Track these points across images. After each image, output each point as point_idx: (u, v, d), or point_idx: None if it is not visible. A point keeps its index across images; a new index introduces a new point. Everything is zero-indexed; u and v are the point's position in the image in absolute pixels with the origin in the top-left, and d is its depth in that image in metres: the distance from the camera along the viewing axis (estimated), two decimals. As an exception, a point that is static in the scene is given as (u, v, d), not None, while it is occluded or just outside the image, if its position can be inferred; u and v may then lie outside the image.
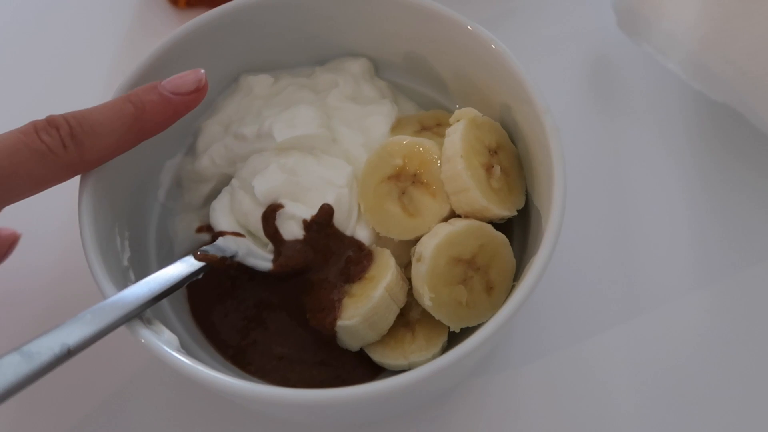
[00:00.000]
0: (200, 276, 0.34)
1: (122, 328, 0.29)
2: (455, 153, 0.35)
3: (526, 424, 0.38)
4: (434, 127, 0.40)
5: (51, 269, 0.43)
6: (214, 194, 0.40)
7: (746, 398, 0.38)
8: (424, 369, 0.29)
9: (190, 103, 0.33)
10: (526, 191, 0.38)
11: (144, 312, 0.31)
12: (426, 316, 0.36)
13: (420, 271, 0.34)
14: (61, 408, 0.38)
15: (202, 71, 0.34)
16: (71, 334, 0.26)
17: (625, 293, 0.41)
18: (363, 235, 0.38)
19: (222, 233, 0.37)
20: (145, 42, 0.47)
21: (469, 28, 0.36)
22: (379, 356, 0.36)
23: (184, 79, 0.33)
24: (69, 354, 0.26)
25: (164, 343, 0.29)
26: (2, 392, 0.24)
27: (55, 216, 0.42)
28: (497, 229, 0.36)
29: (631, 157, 0.45)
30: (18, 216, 0.44)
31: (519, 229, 0.39)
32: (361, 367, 0.37)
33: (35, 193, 0.31)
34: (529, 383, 0.39)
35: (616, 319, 0.40)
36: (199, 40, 0.39)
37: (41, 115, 0.32)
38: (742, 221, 0.43)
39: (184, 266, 0.33)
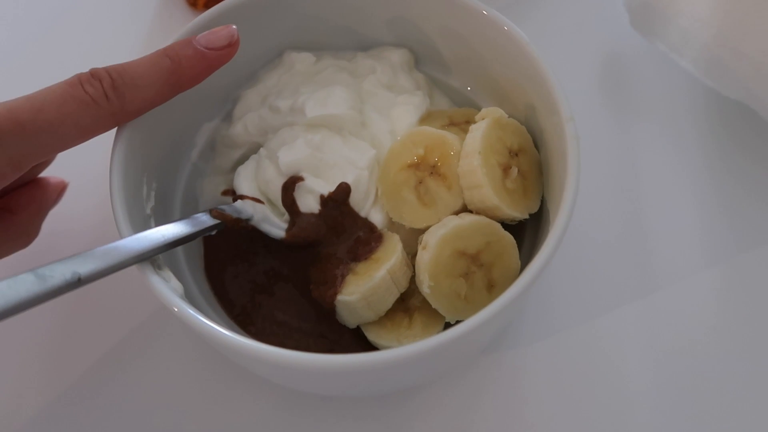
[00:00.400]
0: (213, 232, 0.36)
1: (134, 270, 0.31)
2: (474, 149, 0.35)
3: (535, 401, 0.39)
4: (462, 124, 0.41)
5: (91, 214, 0.45)
6: (243, 160, 0.42)
7: (755, 378, 0.38)
8: (413, 347, 0.29)
9: (222, 57, 0.35)
10: (543, 197, 0.38)
11: (156, 257, 0.33)
12: (425, 305, 0.37)
13: (423, 259, 0.35)
14: (63, 344, 0.41)
15: (234, 27, 0.35)
16: (84, 264, 0.28)
17: (636, 281, 0.42)
18: (377, 218, 0.39)
19: (242, 197, 0.39)
20: (164, 44, 0.50)
21: (505, 28, 0.37)
22: (374, 336, 0.37)
23: (217, 34, 0.35)
24: (79, 282, 0.28)
25: (169, 289, 0.31)
26: (13, 306, 0.26)
27: (96, 164, 0.45)
28: (508, 230, 0.36)
29: (642, 153, 0.46)
30: (64, 163, 0.47)
31: (531, 233, 0.39)
32: (356, 345, 0.38)
33: (81, 141, 0.33)
34: (538, 361, 0.40)
35: (627, 304, 0.41)
36: (246, 13, 0.40)
37: None
38: (752, 217, 0.43)
39: (200, 220, 0.35)
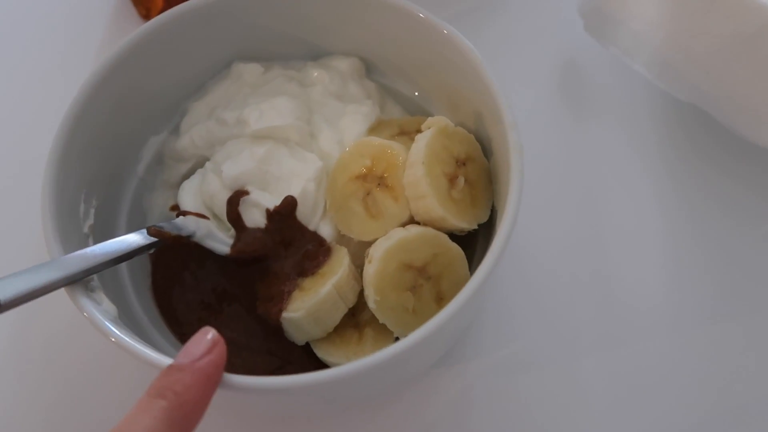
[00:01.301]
0: (152, 251, 0.35)
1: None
2: (417, 159, 0.35)
3: (483, 416, 0.38)
4: (413, 133, 0.40)
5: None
6: (191, 174, 0.41)
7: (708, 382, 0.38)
8: (356, 364, 0.29)
9: (215, 361, 0.27)
10: (493, 206, 0.38)
11: (90, 278, 0.32)
12: (375, 320, 0.36)
13: (369, 273, 0.34)
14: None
15: (207, 327, 0.29)
16: (5, 288, 0.27)
17: (594, 289, 0.41)
18: (326, 231, 0.38)
19: (184, 213, 0.38)
20: None
21: (445, 32, 0.36)
22: (323, 353, 0.36)
23: (195, 344, 0.28)
24: (0, 308, 0.27)
25: (100, 312, 0.30)
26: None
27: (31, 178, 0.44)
28: (457, 242, 0.36)
29: (598, 158, 0.45)
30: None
31: (483, 243, 0.38)
32: (307, 362, 0.37)
33: None
34: (489, 375, 0.39)
35: (584, 316, 0.40)
36: (194, 22, 0.39)
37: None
38: (708, 218, 0.43)
39: (136, 239, 0.34)
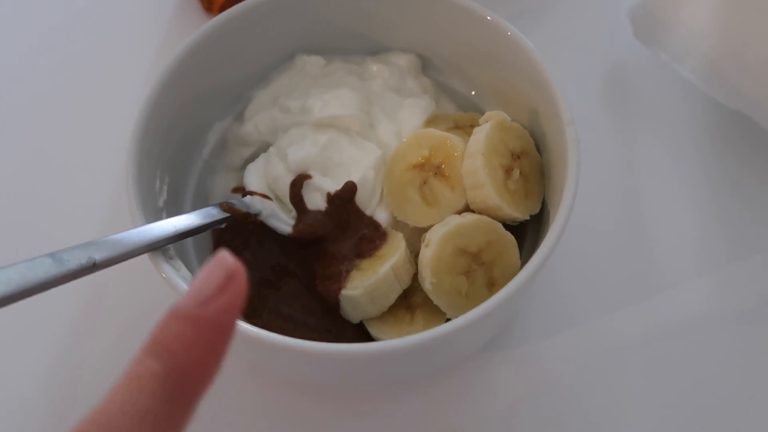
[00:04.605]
0: (223, 225, 0.37)
1: (146, 259, 0.32)
2: (477, 150, 0.36)
3: (534, 398, 0.39)
4: (467, 128, 0.42)
5: (105, 204, 0.47)
6: (253, 158, 0.43)
7: (751, 381, 0.40)
8: (409, 339, 0.30)
9: (229, 309, 0.19)
10: (544, 200, 0.39)
11: (168, 248, 0.34)
12: (427, 302, 0.37)
13: (426, 256, 0.36)
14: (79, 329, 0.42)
15: (226, 254, 0.20)
16: (99, 250, 0.30)
17: (634, 283, 0.43)
18: (382, 216, 0.40)
19: (251, 193, 0.40)
20: (180, 47, 0.51)
21: (509, 34, 0.38)
22: (376, 331, 0.38)
23: (207, 277, 0.20)
24: (94, 267, 0.29)
25: (179, 277, 0.32)
26: (32, 286, 0.27)
27: (111, 156, 0.47)
28: (509, 231, 0.37)
29: (642, 160, 0.47)
30: (81, 156, 0.49)
31: (532, 234, 0.40)
32: (359, 339, 0.39)
33: None
34: (539, 359, 0.40)
35: (625, 305, 0.42)
36: (259, 17, 0.42)
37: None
38: (746, 226, 0.44)
39: (210, 213, 0.36)
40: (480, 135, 0.37)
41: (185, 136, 0.42)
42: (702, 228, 0.45)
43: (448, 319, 0.37)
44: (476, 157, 0.36)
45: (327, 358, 0.31)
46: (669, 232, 0.45)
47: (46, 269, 0.27)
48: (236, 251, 0.42)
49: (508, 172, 0.37)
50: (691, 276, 0.43)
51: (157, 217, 0.37)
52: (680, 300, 0.42)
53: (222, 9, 0.54)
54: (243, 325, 0.31)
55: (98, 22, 0.55)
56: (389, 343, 0.31)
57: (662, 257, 0.44)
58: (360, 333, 0.39)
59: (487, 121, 0.38)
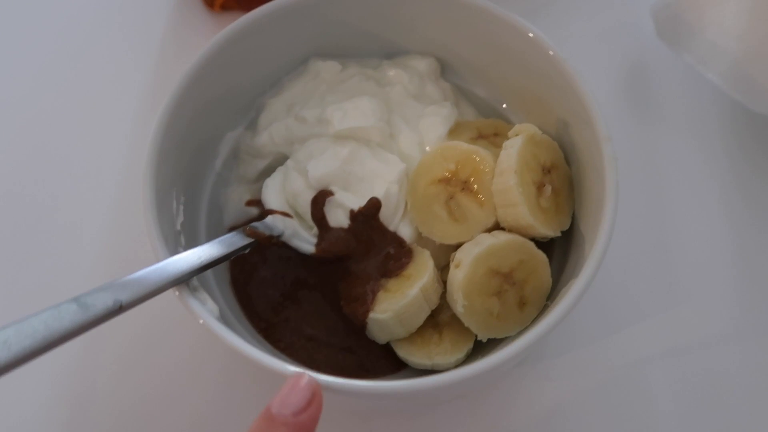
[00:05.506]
0: (247, 251, 0.35)
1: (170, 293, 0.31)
2: (510, 167, 0.35)
3: (561, 411, 0.39)
4: (491, 136, 0.41)
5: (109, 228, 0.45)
6: (268, 171, 0.41)
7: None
8: (445, 376, 0.30)
9: (316, 416, 0.28)
10: (573, 213, 0.38)
11: (191, 279, 0.32)
12: (455, 321, 0.37)
13: (457, 278, 0.35)
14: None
15: (309, 377, 0.28)
16: (124, 291, 0.28)
17: (662, 294, 0.42)
18: (406, 232, 0.39)
19: (271, 211, 0.38)
20: (182, 45, 0.48)
21: (530, 35, 0.37)
22: (404, 352, 0.37)
23: (295, 395, 0.28)
24: (120, 309, 0.28)
25: (207, 311, 0.31)
26: (59, 337, 0.25)
27: (118, 173, 0.45)
28: (538, 247, 0.36)
29: (666, 164, 0.46)
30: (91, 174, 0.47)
31: (560, 248, 0.39)
32: (385, 359, 0.38)
33: None
34: (564, 372, 0.40)
35: (653, 317, 0.41)
36: (271, 20, 0.39)
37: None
38: None
39: (233, 240, 0.35)
40: (511, 150, 0.36)
41: (197, 151, 0.40)
42: (735, 233, 0.44)
43: (476, 338, 0.37)
44: (508, 175, 0.35)
45: (353, 393, 0.30)
46: (698, 238, 0.44)
47: (71, 317, 0.26)
48: (255, 268, 0.40)
49: (540, 188, 0.36)
50: (723, 283, 0.42)
51: (177, 242, 0.35)
52: (709, 311, 0.41)
53: (223, 6, 0.52)
54: (263, 357, 0.30)
55: (99, 20, 0.53)
56: (422, 381, 0.30)
57: (692, 265, 0.43)
58: (385, 352, 0.38)
59: (516, 134, 0.37)
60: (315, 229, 0.39)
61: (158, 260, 0.31)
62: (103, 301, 0.27)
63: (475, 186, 0.37)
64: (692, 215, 0.44)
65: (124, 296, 0.28)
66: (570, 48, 0.40)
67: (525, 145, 0.36)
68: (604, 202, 0.33)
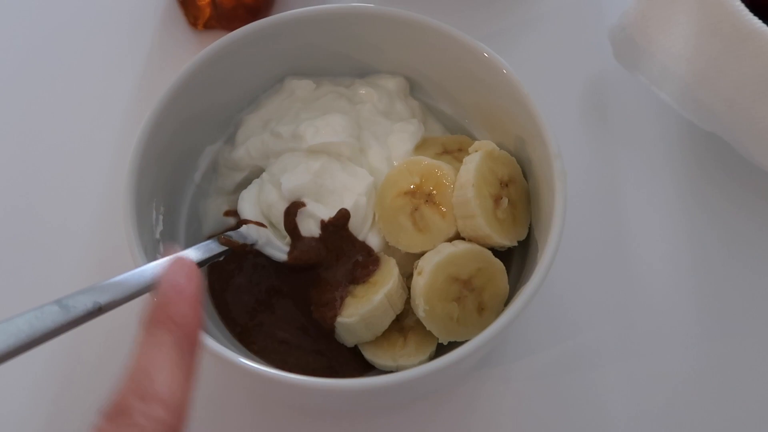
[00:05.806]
0: (221, 258, 0.38)
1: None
2: (468, 181, 0.38)
3: (518, 414, 0.41)
4: (455, 152, 0.43)
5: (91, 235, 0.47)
6: (245, 183, 0.44)
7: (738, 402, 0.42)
8: (407, 373, 0.32)
9: (200, 284, 0.28)
10: (531, 224, 0.41)
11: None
12: (419, 325, 0.39)
13: (419, 284, 0.37)
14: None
15: (179, 255, 0.30)
16: (103, 294, 0.30)
17: (616, 300, 0.45)
18: (374, 241, 0.41)
19: (246, 221, 0.41)
20: (166, 61, 0.50)
21: (485, 56, 0.39)
22: (370, 355, 0.39)
23: (174, 272, 0.28)
24: (100, 311, 0.30)
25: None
26: (41, 335, 0.27)
27: (101, 178, 0.47)
28: (497, 256, 0.39)
29: (620, 178, 0.49)
30: (71, 176, 0.49)
31: (518, 257, 0.42)
32: (353, 361, 0.40)
33: None
34: (521, 377, 0.42)
35: (608, 323, 0.44)
36: (249, 41, 0.42)
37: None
38: (730, 236, 0.47)
39: (209, 247, 0.37)
40: (470, 165, 0.38)
41: (177, 163, 0.42)
42: (674, 244, 0.47)
43: (439, 342, 0.39)
44: (467, 189, 0.37)
45: (322, 392, 0.32)
46: (647, 247, 0.47)
47: (53, 317, 0.28)
48: (231, 275, 0.42)
49: (497, 201, 0.39)
50: (671, 288, 0.45)
51: (155, 251, 0.37)
52: (662, 317, 0.44)
53: (207, 25, 0.54)
54: (241, 360, 0.32)
55: (82, 37, 0.55)
56: (385, 378, 0.32)
57: (642, 271, 0.46)
58: (354, 354, 0.40)
59: (476, 151, 0.39)
60: (288, 239, 0.41)
61: (136, 266, 0.33)
62: (83, 303, 0.29)
63: (438, 198, 0.40)
64: (645, 223, 0.47)
65: (104, 299, 0.30)
66: (531, 68, 0.43)
67: (483, 161, 0.38)
68: (554, 214, 0.35)
